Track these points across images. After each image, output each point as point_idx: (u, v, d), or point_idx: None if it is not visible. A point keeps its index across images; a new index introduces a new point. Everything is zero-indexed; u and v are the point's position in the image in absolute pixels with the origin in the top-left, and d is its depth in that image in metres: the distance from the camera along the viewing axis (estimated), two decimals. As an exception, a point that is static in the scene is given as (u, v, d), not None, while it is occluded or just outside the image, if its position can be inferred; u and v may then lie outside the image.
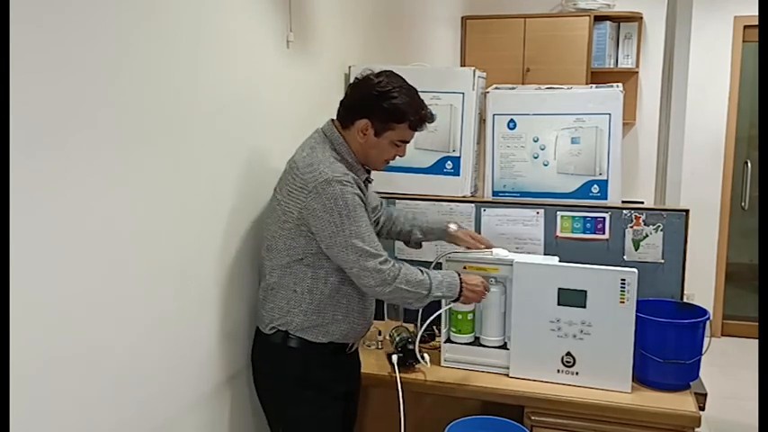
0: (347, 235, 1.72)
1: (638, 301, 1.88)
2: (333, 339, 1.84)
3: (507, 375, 2.01)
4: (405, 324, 2.28)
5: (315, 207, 1.72)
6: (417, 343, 2.02)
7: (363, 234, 1.74)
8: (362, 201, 1.78)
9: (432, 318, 2.01)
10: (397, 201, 2.45)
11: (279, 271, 1.81)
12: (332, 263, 1.79)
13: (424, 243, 2.23)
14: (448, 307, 2.04)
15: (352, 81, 1.89)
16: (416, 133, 1.88)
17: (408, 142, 1.89)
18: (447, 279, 1.87)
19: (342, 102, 1.87)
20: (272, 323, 1.83)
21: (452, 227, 2.14)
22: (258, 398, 1.93)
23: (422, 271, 1.84)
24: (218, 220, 1.77)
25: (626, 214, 2.26)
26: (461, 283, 1.88)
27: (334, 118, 1.87)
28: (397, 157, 1.90)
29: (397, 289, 1.77)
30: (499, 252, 2.06)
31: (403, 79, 1.85)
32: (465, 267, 2.05)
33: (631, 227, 2.25)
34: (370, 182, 1.91)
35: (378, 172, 1.97)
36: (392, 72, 1.86)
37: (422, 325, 2.09)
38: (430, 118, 1.87)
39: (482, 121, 2.53)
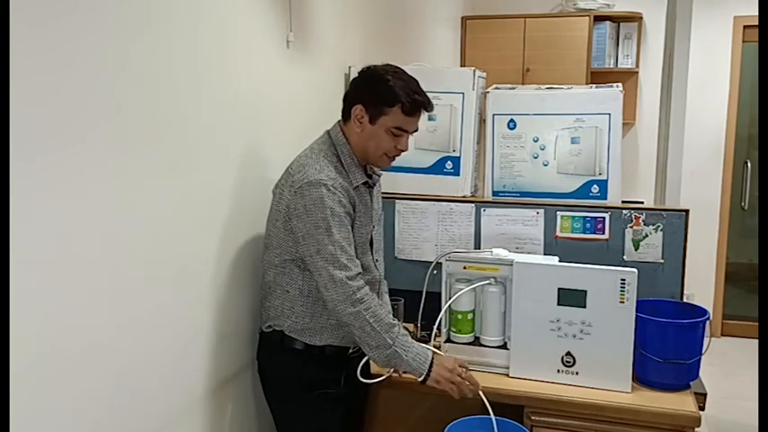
0: (321, 239, 1.68)
1: (637, 301, 1.88)
2: (329, 343, 1.82)
3: (507, 375, 2.01)
4: (405, 324, 2.28)
5: (297, 207, 1.71)
6: (437, 329, 2.01)
7: (338, 242, 1.69)
8: (348, 209, 1.74)
9: (439, 318, 2.01)
10: (397, 201, 2.45)
11: (273, 270, 1.82)
12: None
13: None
14: (447, 306, 2.04)
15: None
16: (416, 133, 1.86)
17: (408, 132, 1.81)
18: (418, 348, 1.76)
19: (343, 97, 1.87)
20: (268, 321, 1.85)
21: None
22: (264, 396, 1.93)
23: (397, 324, 1.76)
24: (217, 221, 1.77)
25: (626, 214, 2.26)
26: (433, 360, 1.76)
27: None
28: (401, 151, 1.83)
29: (361, 317, 1.69)
30: (499, 252, 2.06)
31: (403, 70, 1.81)
32: (465, 267, 2.05)
33: (631, 227, 2.25)
34: (371, 185, 1.88)
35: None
36: (394, 65, 1.83)
37: (422, 325, 2.10)
38: (426, 104, 1.79)
39: (482, 121, 2.53)
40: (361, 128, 1.79)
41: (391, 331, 1.72)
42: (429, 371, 1.76)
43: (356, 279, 1.71)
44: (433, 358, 1.77)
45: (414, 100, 1.76)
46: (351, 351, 1.88)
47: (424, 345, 1.82)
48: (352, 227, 1.78)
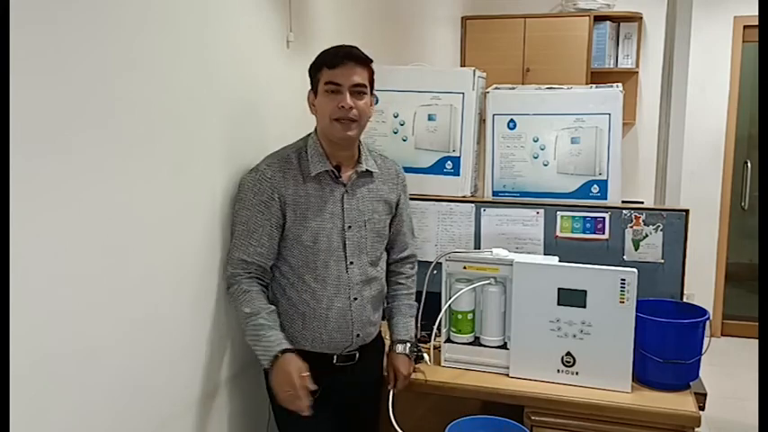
0: (233, 221, 1.79)
1: (637, 301, 1.88)
2: (300, 348, 1.75)
3: (507, 375, 2.01)
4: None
5: None
6: (437, 329, 2.04)
7: (237, 224, 1.77)
8: (263, 198, 1.74)
9: (439, 318, 2.01)
10: (397, 201, 2.45)
11: None
12: (282, 265, 1.80)
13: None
14: (447, 306, 2.04)
15: None
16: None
17: (340, 84, 1.73)
18: (271, 340, 1.67)
19: None
20: None
21: (399, 347, 1.95)
22: None
23: (259, 309, 1.71)
24: (216, 221, 1.77)
25: (626, 214, 2.26)
26: (276, 359, 1.64)
27: None
28: (345, 110, 1.73)
29: (233, 297, 1.76)
30: (499, 252, 2.06)
31: (339, 45, 1.81)
32: (465, 267, 2.05)
33: (631, 227, 2.25)
34: (336, 177, 1.80)
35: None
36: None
37: (422, 325, 2.10)
38: (346, 53, 1.74)
39: (482, 121, 2.53)
40: (315, 109, 1.81)
41: (247, 320, 1.71)
42: (270, 369, 1.67)
43: (232, 263, 1.76)
44: (275, 359, 1.65)
45: (331, 53, 1.76)
46: (336, 360, 1.83)
47: (280, 336, 1.70)
48: (285, 219, 1.76)
